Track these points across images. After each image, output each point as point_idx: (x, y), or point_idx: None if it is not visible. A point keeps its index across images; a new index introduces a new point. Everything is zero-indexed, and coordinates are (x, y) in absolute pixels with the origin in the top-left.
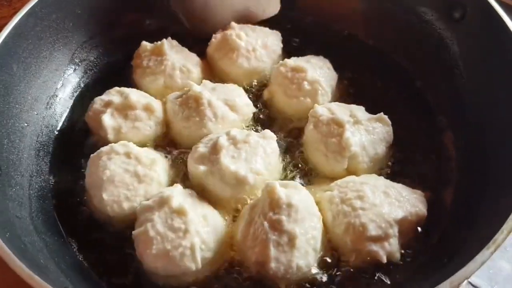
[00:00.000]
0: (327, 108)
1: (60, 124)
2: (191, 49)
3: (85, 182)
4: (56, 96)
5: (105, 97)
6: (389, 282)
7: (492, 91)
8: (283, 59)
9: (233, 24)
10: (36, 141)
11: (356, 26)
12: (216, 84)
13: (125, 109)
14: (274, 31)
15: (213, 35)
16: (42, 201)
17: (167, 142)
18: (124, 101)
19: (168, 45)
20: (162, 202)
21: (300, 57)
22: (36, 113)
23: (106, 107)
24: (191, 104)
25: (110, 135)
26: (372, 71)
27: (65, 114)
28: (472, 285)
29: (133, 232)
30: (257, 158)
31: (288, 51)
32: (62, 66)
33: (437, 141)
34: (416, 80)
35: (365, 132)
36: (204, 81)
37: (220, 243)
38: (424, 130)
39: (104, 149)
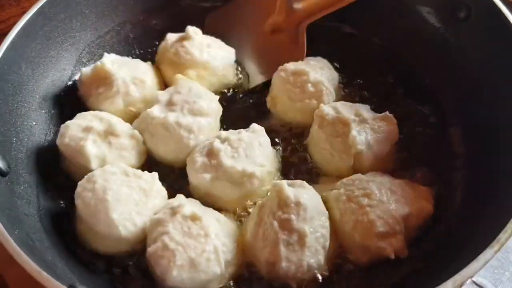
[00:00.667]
0: (332, 107)
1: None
2: None
3: (78, 213)
4: (64, 95)
5: (81, 121)
6: (395, 280)
7: (498, 90)
8: None
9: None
10: (44, 140)
11: (361, 25)
12: (171, 92)
13: (107, 137)
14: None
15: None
16: (50, 199)
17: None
18: (107, 127)
19: (110, 62)
20: (174, 212)
21: (299, 61)
22: (44, 112)
23: (86, 132)
24: (162, 132)
25: (94, 164)
26: (377, 70)
27: (72, 113)
28: (477, 284)
29: (148, 250)
30: (256, 152)
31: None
32: (70, 66)
33: (444, 139)
34: (421, 80)
35: (371, 130)
36: (158, 92)
37: (236, 244)
38: (430, 128)
39: (96, 172)
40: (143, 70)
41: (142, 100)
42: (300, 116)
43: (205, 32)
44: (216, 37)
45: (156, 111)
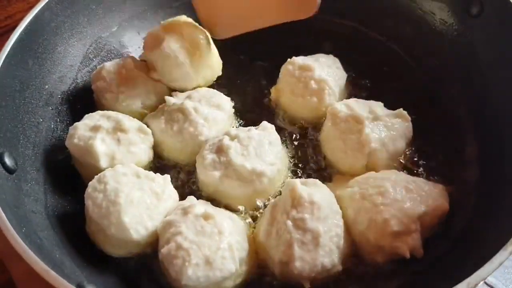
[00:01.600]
0: (345, 104)
1: (75, 120)
2: None
3: (88, 214)
4: (71, 91)
5: (89, 121)
6: (408, 280)
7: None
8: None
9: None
10: (52, 137)
11: (371, 23)
12: (188, 92)
13: (116, 133)
14: None
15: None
16: (57, 196)
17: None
18: (115, 124)
19: (133, 64)
20: (185, 212)
21: (309, 56)
22: (51, 108)
23: (94, 132)
24: (178, 117)
25: (103, 163)
26: (388, 68)
27: (79, 109)
28: (487, 284)
29: (162, 251)
30: (266, 150)
31: (300, 49)
32: (77, 62)
33: (457, 137)
34: (433, 77)
35: (385, 128)
36: (175, 92)
37: (249, 242)
38: (443, 126)
39: (107, 173)
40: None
41: (159, 104)
42: (301, 112)
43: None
44: None
45: (174, 99)
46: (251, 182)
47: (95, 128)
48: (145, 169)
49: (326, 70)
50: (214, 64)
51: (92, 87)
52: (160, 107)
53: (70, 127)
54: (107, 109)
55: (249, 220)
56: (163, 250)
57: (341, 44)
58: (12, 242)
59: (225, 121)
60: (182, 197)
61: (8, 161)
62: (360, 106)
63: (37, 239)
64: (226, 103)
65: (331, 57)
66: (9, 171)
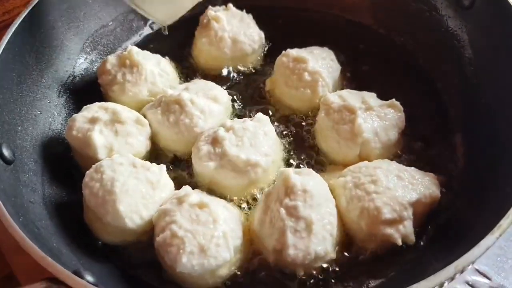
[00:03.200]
0: (338, 95)
1: (72, 112)
2: None
3: (85, 204)
4: (68, 84)
5: (87, 113)
6: (399, 266)
7: (502, 78)
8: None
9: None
10: (49, 129)
11: (366, 14)
12: (186, 84)
13: (113, 125)
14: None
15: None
16: (54, 187)
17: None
18: (112, 116)
19: (136, 53)
20: (180, 201)
21: (304, 48)
22: (48, 101)
23: (92, 123)
24: (174, 109)
25: (101, 154)
26: (381, 59)
27: (76, 102)
28: (479, 272)
29: (157, 239)
30: (260, 141)
31: (296, 41)
32: (74, 55)
33: (447, 127)
34: (425, 68)
35: (377, 118)
36: (174, 84)
37: (243, 230)
38: (434, 116)
39: (103, 163)
40: (164, 64)
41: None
42: (295, 103)
43: None
44: None
45: (171, 90)
46: (245, 173)
47: (93, 120)
48: (142, 159)
49: (320, 62)
50: None
51: (98, 81)
52: (158, 98)
53: (69, 119)
54: (114, 101)
55: (245, 207)
56: (158, 239)
57: (335, 35)
58: (10, 231)
59: (221, 113)
60: (178, 187)
61: (6, 152)
62: (352, 97)
63: (35, 228)
64: (223, 95)
65: (325, 49)
66: (7, 162)
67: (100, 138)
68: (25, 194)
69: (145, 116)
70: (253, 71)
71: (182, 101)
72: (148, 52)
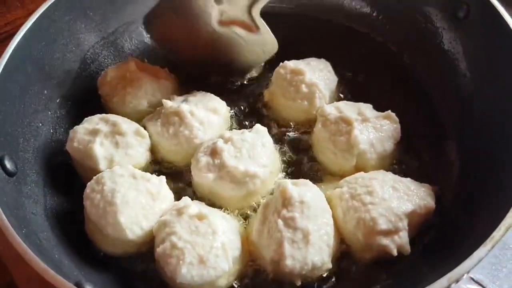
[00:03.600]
0: (335, 106)
1: (73, 124)
2: None
3: (86, 214)
4: (69, 96)
5: (88, 125)
6: (394, 276)
7: (496, 90)
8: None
9: None
10: (51, 140)
11: (362, 24)
12: (185, 95)
13: (114, 136)
14: None
15: None
16: (56, 198)
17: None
18: (112, 128)
19: (135, 65)
20: (180, 212)
21: (301, 60)
22: (50, 112)
23: (93, 135)
24: (174, 120)
25: (102, 166)
26: (377, 70)
27: (77, 113)
28: (474, 280)
29: (157, 250)
30: (259, 152)
31: (294, 51)
32: (75, 67)
33: (442, 137)
34: (421, 79)
35: (373, 129)
36: (173, 96)
37: (242, 241)
38: (428, 127)
39: (104, 174)
40: (164, 75)
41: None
42: (292, 115)
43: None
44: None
45: (170, 102)
46: (244, 184)
47: (94, 132)
48: (142, 170)
49: (317, 74)
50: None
51: (99, 92)
52: (158, 109)
53: (70, 131)
54: (115, 112)
55: (243, 218)
56: (158, 250)
57: (331, 44)
58: (12, 243)
59: (220, 125)
60: (178, 198)
61: (8, 164)
62: (349, 108)
63: (37, 239)
64: (222, 107)
65: (322, 61)
66: (9, 174)
67: (100, 150)
68: (28, 205)
69: (145, 127)
70: (253, 80)
71: (181, 113)
72: (147, 64)
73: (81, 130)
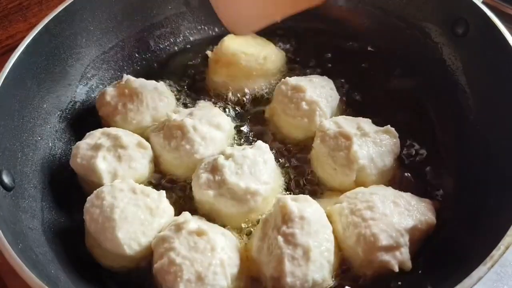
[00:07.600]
0: (333, 121)
1: (72, 138)
2: None
3: (86, 229)
4: (69, 110)
5: (90, 140)
6: None
7: (496, 105)
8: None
9: None
10: (49, 154)
11: (360, 39)
12: (191, 109)
13: (116, 150)
14: None
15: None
16: (54, 213)
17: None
18: (114, 141)
19: (134, 81)
20: (179, 228)
21: (303, 76)
22: (49, 126)
23: (95, 150)
24: (176, 134)
25: (106, 180)
26: (376, 85)
27: (77, 128)
28: None
29: (155, 266)
30: (260, 169)
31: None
32: (75, 81)
33: (441, 153)
34: (420, 94)
35: (373, 144)
36: (178, 108)
37: (240, 258)
38: (427, 142)
39: (104, 189)
40: (162, 89)
41: (164, 118)
42: (293, 131)
43: None
44: None
45: (175, 115)
46: (245, 201)
47: (96, 147)
48: (145, 183)
49: (318, 91)
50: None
51: (99, 114)
52: (162, 121)
53: (73, 147)
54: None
55: (247, 234)
56: (156, 265)
57: (330, 58)
58: (7, 258)
59: (223, 141)
60: (179, 211)
61: (6, 178)
62: (348, 123)
63: (33, 255)
64: (226, 123)
65: (325, 78)
66: (7, 188)
67: (103, 164)
68: (25, 220)
69: (148, 138)
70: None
71: (184, 127)
72: (143, 79)
73: (83, 146)
